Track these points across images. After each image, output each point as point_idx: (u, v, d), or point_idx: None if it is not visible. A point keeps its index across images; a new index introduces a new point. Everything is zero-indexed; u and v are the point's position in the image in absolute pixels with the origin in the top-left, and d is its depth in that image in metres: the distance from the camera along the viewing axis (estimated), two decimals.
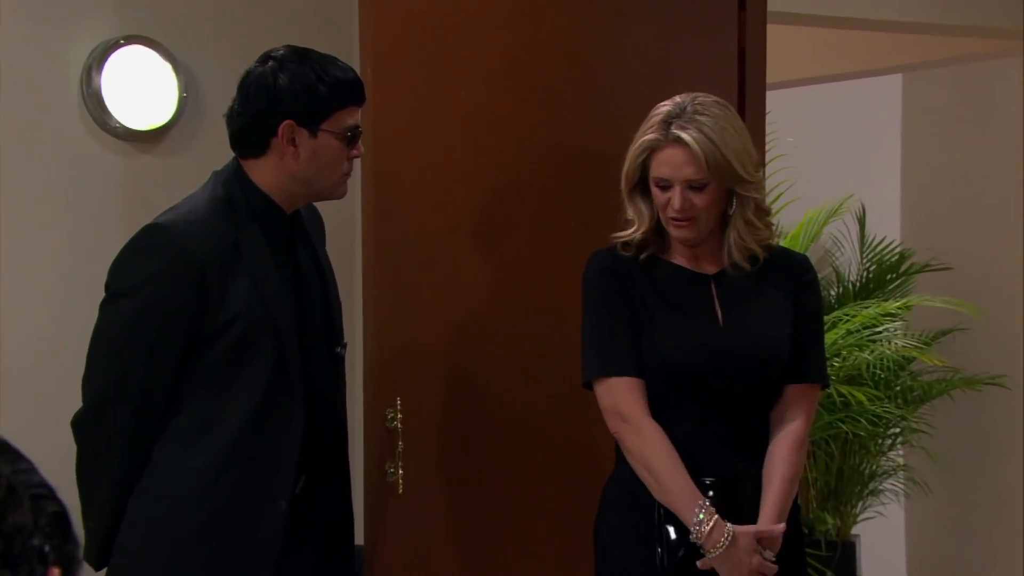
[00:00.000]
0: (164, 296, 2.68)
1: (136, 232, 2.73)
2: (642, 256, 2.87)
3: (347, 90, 2.75)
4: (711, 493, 2.78)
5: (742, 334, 2.85)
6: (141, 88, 3.63)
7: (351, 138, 2.76)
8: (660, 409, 2.83)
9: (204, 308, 2.67)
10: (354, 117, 2.77)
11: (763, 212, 2.87)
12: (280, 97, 2.71)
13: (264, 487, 2.74)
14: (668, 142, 2.78)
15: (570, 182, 3.39)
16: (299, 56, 2.75)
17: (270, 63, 2.74)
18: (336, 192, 2.82)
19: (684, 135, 2.76)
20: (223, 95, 3.69)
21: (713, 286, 2.89)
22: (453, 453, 3.34)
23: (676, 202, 2.78)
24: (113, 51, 3.59)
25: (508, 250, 3.37)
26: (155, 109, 3.65)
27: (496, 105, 3.34)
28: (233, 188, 2.75)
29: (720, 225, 2.87)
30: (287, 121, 2.70)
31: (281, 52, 2.76)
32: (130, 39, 3.62)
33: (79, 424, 2.77)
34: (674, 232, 2.84)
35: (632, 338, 2.83)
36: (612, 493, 2.94)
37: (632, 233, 2.86)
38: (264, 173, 2.75)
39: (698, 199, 2.79)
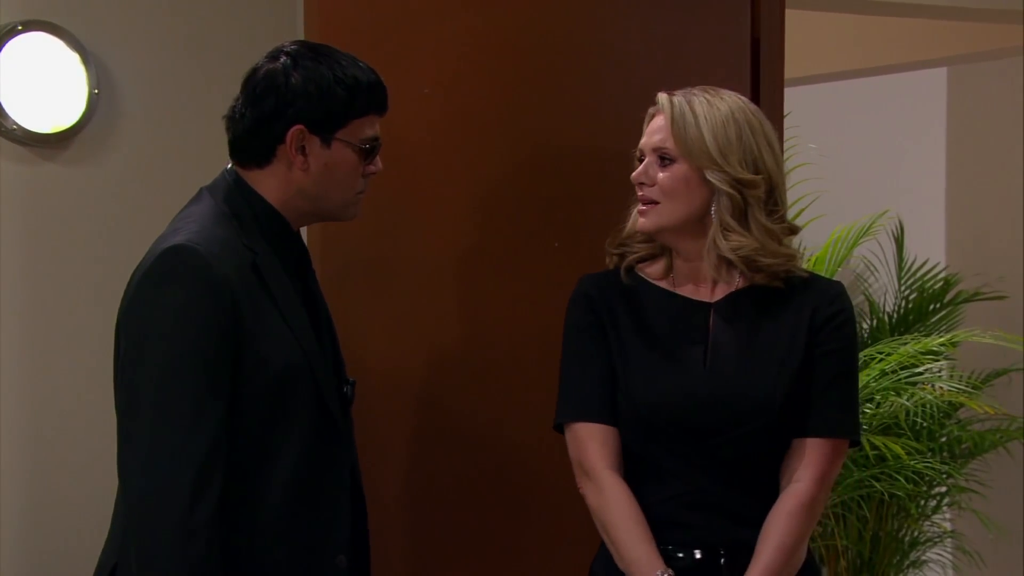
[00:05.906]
0: (206, 329, 2.65)
1: (152, 259, 2.68)
2: (628, 281, 2.93)
3: (369, 95, 2.81)
4: (680, 564, 2.81)
5: (727, 377, 2.87)
6: (43, 83, 3.62)
7: (369, 151, 2.82)
8: (646, 468, 2.87)
9: (239, 344, 2.67)
10: (374, 128, 2.83)
11: (758, 221, 2.87)
12: (291, 99, 2.75)
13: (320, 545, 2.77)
14: (657, 109, 2.92)
15: (559, 193, 3.38)
16: (315, 53, 2.80)
17: (282, 59, 2.79)
18: (348, 212, 2.88)
19: (667, 100, 2.88)
20: (141, 91, 3.71)
21: (713, 318, 2.91)
22: (422, 534, 3.32)
23: (637, 169, 2.90)
24: (9, 38, 3.58)
25: (485, 274, 3.36)
26: (60, 108, 3.64)
27: (470, 101, 3.34)
28: (237, 202, 2.79)
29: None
30: (297, 126, 2.76)
31: (294, 47, 2.81)
32: (30, 24, 3.61)
33: (133, 515, 2.62)
34: (639, 223, 2.92)
35: (605, 379, 2.89)
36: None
37: (625, 232, 2.95)
38: (267, 186, 2.80)
39: (661, 175, 2.87)
